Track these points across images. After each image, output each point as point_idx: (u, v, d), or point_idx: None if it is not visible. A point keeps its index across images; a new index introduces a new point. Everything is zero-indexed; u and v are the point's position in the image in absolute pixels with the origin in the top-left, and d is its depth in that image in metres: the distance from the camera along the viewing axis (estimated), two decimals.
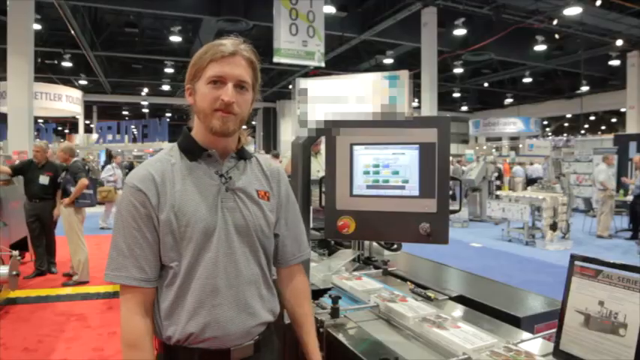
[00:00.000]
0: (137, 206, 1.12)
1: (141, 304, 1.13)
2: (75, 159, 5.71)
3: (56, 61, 18.03)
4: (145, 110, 29.82)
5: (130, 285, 1.12)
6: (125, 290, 1.13)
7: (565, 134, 27.36)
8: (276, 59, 9.83)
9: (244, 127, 1.27)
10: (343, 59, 17.59)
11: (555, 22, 13.19)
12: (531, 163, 17.72)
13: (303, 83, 1.63)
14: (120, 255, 1.12)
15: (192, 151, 1.20)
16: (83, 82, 22.24)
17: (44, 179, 5.59)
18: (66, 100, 18.72)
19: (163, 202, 1.13)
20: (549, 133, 30.73)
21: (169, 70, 19.45)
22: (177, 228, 1.12)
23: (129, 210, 1.13)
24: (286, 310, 1.37)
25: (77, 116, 22.66)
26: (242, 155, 1.25)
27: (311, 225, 1.69)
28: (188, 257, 1.12)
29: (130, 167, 19.30)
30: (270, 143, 28.46)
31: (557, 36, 14.71)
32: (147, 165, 1.19)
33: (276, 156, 9.61)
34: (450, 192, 1.63)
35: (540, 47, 15.71)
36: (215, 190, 1.17)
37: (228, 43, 1.16)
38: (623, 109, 19.81)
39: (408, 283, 2.08)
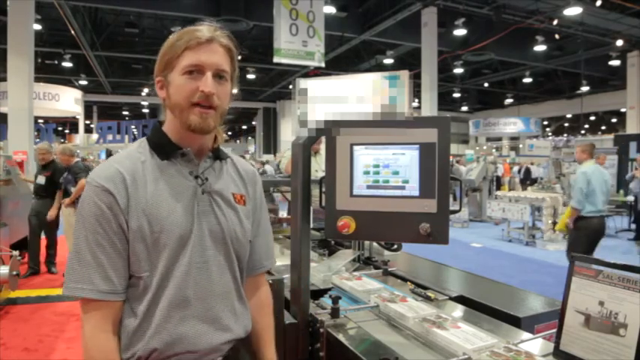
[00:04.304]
0: (103, 208, 0.99)
1: (108, 319, 1.01)
2: (76, 159, 5.75)
3: (56, 61, 18.03)
4: (145, 110, 29.83)
5: (94, 299, 0.99)
6: (89, 305, 1.00)
7: (565, 134, 27.36)
8: (276, 59, 9.84)
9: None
10: (343, 59, 17.58)
11: (555, 22, 13.18)
12: (531, 164, 17.80)
13: (303, 83, 1.63)
14: (83, 265, 0.99)
15: (164, 148, 1.08)
16: (83, 82, 22.24)
17: (41, 179, 5.78)
18: (66, 100, 18.71)
19: (134, 205, 1.00)
20: (549, 134, 30.73)
21: None
22: (150, 234, 1.00)
23: (93, 212, 0.99)
24: None
25: (77, 116, 22.67)
26: (218, 155, 1.15)
27: (311, 225, 1.69)
28: (161, 267, 1.01)
29: None
30: (270, 143, 28.46)
31: (557, 36, 14.71)
32: (114, 162, 1.05)
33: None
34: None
35: (540, 47, 15.70)
36: (191, 192, 1.06)
37: (203, 29, 1.05)
38: (623, 110, 19.81)
39: (408, 283, 2.08)
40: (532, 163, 17.81)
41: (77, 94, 20.34)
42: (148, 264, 1.01)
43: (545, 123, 29.47)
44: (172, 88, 1.05)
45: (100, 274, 0.99)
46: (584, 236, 4.96)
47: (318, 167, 4.25)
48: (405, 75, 1.55)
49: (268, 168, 15.85)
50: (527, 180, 16.41)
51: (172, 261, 1.02)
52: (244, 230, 1.14)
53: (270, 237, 1.31)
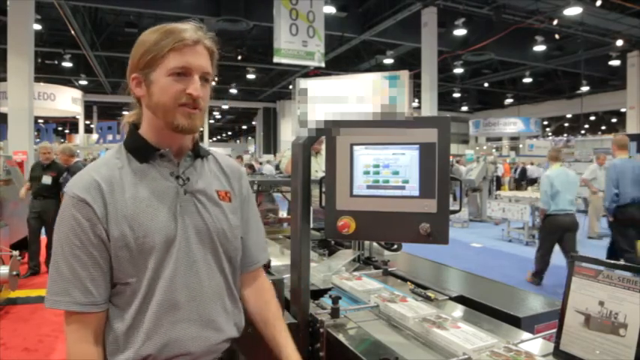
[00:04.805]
0: (80, 220, 0.98)
1: (90, 331, 1.00)
2: (76, 159, 5.75)
3: (56, 61, 18.04)
4: None
5: (75, 311, 0.98)
6: (70, 317, 0.99)
7: (565, 134, 27.37)
8: (276, 59, 9.85)
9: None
10: (343, 59, 17.60)
11: (555, 22, 13.20)
12: (531, 164, 17.83)
13: (303, 83, 1.63)
14: (61, 277, 0.98)
15: (142, 151, 1.06)
16: (83, 82, 22.25)
17: (47, 179, 5.72)
18: (63, 100, 18.69)
19: (113, 212, 0.99)
20: (549, 134, 30.74)
21: None
22: (134, 240, 0.99)
23: (70, 225, 0.98)
24: (251, 314, 1.23)
25: (77, 116, 22.68)
26: (198, 153, 1.13)
27: (311, 225, 1.69)
28: (148, 272, 1.00)
29: None
30: (270, 143, 28.46)
31: (557, 36, 14.72)
32: (90, 170, 1.03)
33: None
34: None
35: (540, 47, 15.71)
36: (172, 193, 1.05)
37: (189, 30, 1.03)
38: (623, 110, 19.83)
39: (408, 283, 2.08)
40: (532, 163, 17.84)
41: (75, 93, 20.30)
42: (134, 270, 1.00)
43: (545, 123, 29.49)
44: (156, 88, 1.03)
45: (78, 287, 0.98)
46: (551, 232, 5.54)
47: (318, 167, 4.25)
48: (405, 75, 1.55)
49: (267, 167, 15.67)
50: (523, 180, 16.43)
51: (159, 265, 1.01)
52: (232, 227, 1.13)
53: (262, 231, 1.29)
